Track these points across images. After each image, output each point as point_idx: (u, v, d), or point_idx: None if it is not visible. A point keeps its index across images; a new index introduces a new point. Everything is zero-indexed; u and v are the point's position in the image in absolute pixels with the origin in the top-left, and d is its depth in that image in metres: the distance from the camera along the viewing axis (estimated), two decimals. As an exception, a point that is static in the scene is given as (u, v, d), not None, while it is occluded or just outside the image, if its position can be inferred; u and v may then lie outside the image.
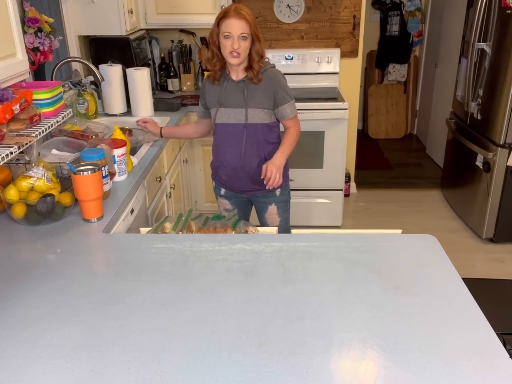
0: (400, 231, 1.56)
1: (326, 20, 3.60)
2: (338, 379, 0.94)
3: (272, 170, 1.91)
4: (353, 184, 4.10)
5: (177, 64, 3.55)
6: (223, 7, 3.12)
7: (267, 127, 2.05)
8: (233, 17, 1.85)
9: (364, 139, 5.33)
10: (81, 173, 1.57)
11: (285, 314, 1.13)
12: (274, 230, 1.64)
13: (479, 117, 3.26)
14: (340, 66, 3.66)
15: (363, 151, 4.65)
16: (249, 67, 1.96)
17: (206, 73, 3.31)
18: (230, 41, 1.86)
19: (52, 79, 2.43)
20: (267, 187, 1.94)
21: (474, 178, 3.36)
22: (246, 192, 2.17)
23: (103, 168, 1.72)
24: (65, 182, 1.66)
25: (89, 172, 1.57)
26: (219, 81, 2.02)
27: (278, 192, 2.16)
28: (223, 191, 2.22)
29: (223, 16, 1.88)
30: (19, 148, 1.49)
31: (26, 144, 1.53)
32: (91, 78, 2.71)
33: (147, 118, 2.41)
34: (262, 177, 1.94)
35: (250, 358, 0.99)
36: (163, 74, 3.50)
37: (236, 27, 1.85)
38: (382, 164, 4.81)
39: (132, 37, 3.04)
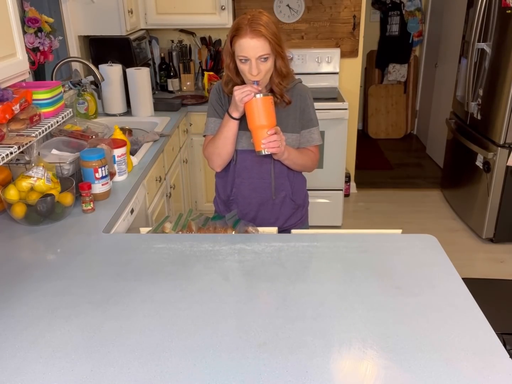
0: (400, 231, 1.56)
1: (326, 20, 3.60)
2: (338, 379, 0.94)
3: (280, 138, 1.53)
4: (353, 184, 4.10)
5: (177, 64, 3.55)
6: (223, 7, 3.14)
7: None
8: (247, 35, 1.46)
9: (364, 139, 5.33)
10: (256, 95, 1.48)
11: (285, 314, 1.13)
12: (274, 230, 1.64)
13: (479, 117, 3.26)
14: (340, 66, 3.66)
15: (363, 151, 4.65)
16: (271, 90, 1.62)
17: (206, 73, 3.32)
18: (247, 65, 1.51)
19: (52, 79, 2.43)
20: (262, 146, 1.52)
21: (474, 178, 3.36)
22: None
23: (103, 168, 1.72)
24: (65, 182, 1.66)
25: (261, 95, 1.48)
26: None
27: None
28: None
29: (235, 33, 1.49)
30: (19, 148, 1.49)
31: (26, 144, 1.53)
32: (91, 78, 2.71)
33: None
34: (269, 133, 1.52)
35: (250, 358, 0.99)
36: (163, 74, 3.50)
37: (252, 49, 1.47)
38: (382, 164, 4.81)
39: (132, 37, 3.04)
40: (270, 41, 1.49)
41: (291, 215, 1.82)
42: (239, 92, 1.51)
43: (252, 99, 1.50)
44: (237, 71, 1.58)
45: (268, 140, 1.52)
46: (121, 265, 1.35)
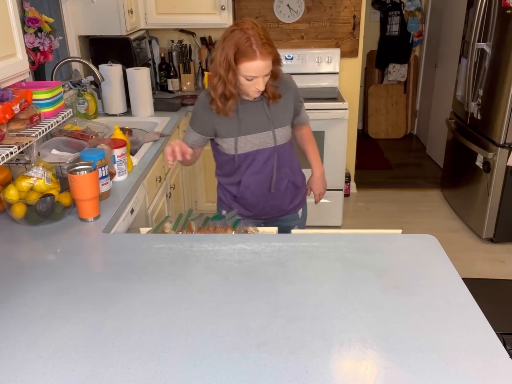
0: (400, 231, 1.56)
1: (326, 20, 3.60)
2: (338, 379, 0.94)
3: (318, 186, 1.99)
4: (353, 184, 4.10)
5: (177, 64, 3.55)
6: (223, 7, 3.14)
7: (290, 144, 1.85)
8: (257, 58, 1.52)
9: (364, 139, 5.33)
10: (77, 172, 1.57)
11: (285, 314, 1.13)
12: (274, 230, 1.64)
13: (479, 117, 3.26)
14: (340, 66, 3.66)
15: (363, 151, 4.65)
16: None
17: (206, 73, 3.32)
18: (253, 82, 1.58)
19: (52, 79, 2.43)
20: (316, 203, 2.02)
21: (474, 178, 3.36)
22: (266, 217, 1.94)
23: (103, 168, 1.72)
24: (65, 182, 1.66)
25: (85, 172, 1.57)
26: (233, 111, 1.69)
27: (300, 213, 2.00)
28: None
29: (244, 56, 1.52)
30: (19, 148, 1.49)
31: (26, 144, 1.53)
32: (91, 78, 2.71)
33: (177, 146, 1.65)
34: (307, 194, 2.00)
35: (250, 358, 0.99)
36: (163, 74, 3.50)
37: (262, 69, 1.55)
38: (382, 164, 4.81)
39: (132, 37, 3.04)
40: (275, 55, 1.58)
41: (295, 196, 1.96)
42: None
43: (76, 175, 1.56)
44: (235, 84, 1.61)
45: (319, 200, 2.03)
46: (121, 265, 1.35)
